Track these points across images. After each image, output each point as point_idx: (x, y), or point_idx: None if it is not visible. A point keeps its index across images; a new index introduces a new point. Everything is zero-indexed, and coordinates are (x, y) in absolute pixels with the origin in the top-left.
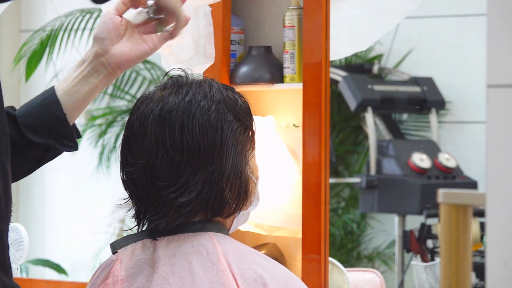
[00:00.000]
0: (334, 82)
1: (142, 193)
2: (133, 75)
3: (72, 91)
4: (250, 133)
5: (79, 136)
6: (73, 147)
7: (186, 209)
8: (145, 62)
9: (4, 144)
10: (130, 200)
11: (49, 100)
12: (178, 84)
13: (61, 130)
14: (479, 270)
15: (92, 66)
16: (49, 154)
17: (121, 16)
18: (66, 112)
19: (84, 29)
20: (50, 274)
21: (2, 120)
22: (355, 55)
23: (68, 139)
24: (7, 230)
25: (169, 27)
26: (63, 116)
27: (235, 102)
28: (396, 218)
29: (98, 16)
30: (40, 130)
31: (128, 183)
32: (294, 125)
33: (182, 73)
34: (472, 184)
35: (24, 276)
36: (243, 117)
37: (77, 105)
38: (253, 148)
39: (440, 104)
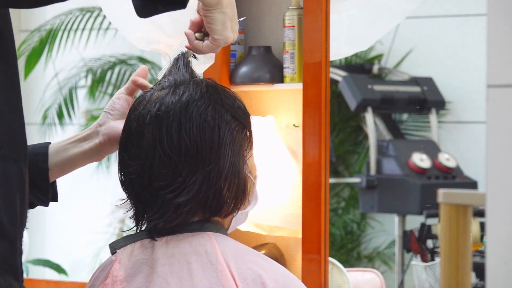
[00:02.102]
0: (334, 82)
1: (140, 193)
2: None
3: (62, 148)
4: (248, 132)
5: (55, 198)
6: (44, 202)
7: (184, 209)
8: (145, 62)
9: (22, 151)
10: (128, 200)
11: (40, 150)
12: (175, 84)
13: (39, 182)
14: (479, 270)
15: (88, 132)
16: None
17: (131, 95)
18: (50, 167)
19: (83, 28)
20: (50, 274)
21: (21, 128)
22: (355, 55)
23: (42, 192)
24: (20, 236)
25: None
26: (46, 169)
27: (232, 101)
28: (396, 218)
29: (98, 15)
30: None
31: (126, 184)
32: (294, 125)
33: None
34: (472, 184)
35: (24, 276)
36: (240, 116)
37: (61, 164)
38: (251, 148)
39: (440, 104)
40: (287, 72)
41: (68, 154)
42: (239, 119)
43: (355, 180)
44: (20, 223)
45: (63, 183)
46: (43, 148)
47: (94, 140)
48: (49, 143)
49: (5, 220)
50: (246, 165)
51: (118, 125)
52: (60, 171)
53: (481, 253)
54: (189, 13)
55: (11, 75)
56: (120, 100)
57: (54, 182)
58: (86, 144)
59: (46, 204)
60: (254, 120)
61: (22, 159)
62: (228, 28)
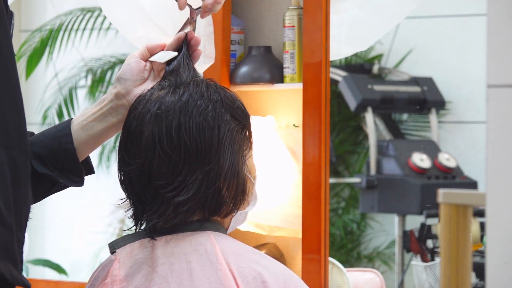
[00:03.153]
0: (334, 82)
1: (139, 192)
2: None
3: (87, 126)
4: (247, 132)
5: (91, 172)
6: (78, 182)
7: (183, 208)
8: None
9: (15, 138)
10: (128, 200)
11: (62, 132)
12: (175, 84)
13: (69, 164)
14: (479, 270)
15: (111, 105)
16: (56, 186)
17: (145, 61)
18: (76, 146)
19: (84, 28)
20: (50, 274)
21: (17, 116)
22: (355, 55)
23: (74, 174)
24: (19, 225)
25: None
26: (72, 150)
27: (232, 101)
28: (396, 218)
29: (98, 15)
30: (47, 161)
31: (125, 183)
32: (294, 125)
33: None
34: (472, 184)
35: (24, 275)
36: (240, 116)
37: (90, 141)
38: (251, 148)
39: (440, 104)
40: (287, 72)
41: (95, 131)
42: (239, 119)
43: (355, 180)
44: (18, 212)
45: None
46: (65, 129)
47: (121, 112)
48: (69, 121)
49: (1, 204)
50: (245, 165)
51: (142, 90)
52: (89, 148)
53: (481, 253)
54: (188, 15)
55: (7, 65)
56: (136, 64)
57: (87, 157)
58: (113, 117)
59: (81, 184)
60: (254, 120)
61: (16, 146)
62: None
